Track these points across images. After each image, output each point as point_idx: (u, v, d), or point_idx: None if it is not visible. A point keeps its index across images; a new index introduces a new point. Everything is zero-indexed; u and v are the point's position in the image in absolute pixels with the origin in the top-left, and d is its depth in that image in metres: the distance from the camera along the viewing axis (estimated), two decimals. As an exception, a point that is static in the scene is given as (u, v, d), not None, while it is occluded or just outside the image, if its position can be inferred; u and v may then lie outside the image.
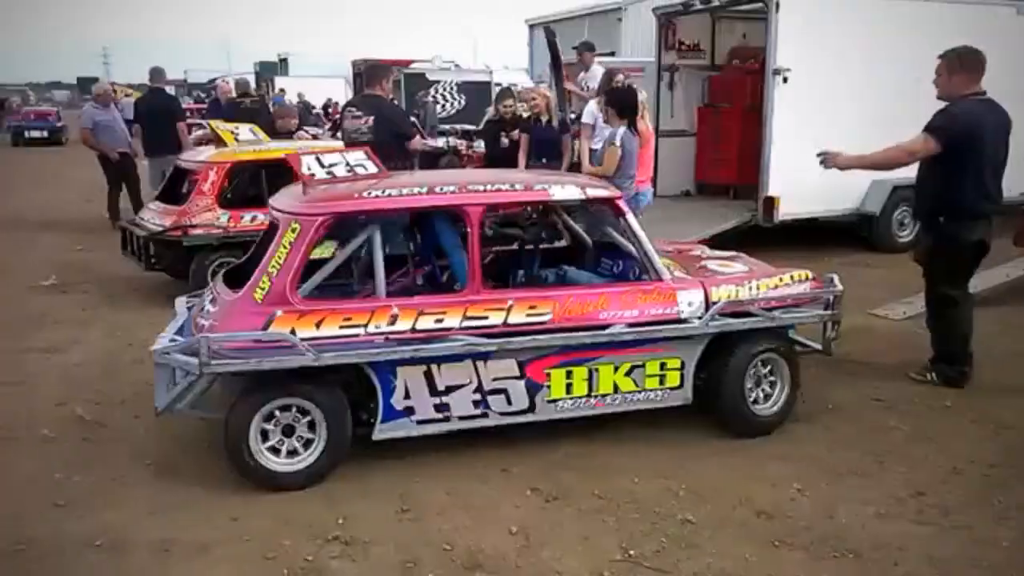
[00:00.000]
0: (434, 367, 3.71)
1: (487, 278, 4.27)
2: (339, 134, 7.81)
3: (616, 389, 3.97)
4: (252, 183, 6.95)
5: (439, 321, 3.68)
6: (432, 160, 14.04)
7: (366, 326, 3.59)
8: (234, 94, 10.79)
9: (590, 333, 3.81)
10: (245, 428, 3.50)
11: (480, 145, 9.79)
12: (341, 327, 3.57)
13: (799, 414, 4.42)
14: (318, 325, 3.55)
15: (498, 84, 16.15)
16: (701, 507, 3.50)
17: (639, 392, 4.02)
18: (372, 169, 4.11)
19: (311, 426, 3.62)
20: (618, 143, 5.85)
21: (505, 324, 3.74)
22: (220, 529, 3.32)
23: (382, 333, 3.60)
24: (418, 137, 6.30)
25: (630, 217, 4.13)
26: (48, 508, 3.50)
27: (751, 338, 4.09)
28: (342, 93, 25.00)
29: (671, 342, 3.96)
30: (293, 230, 3.63)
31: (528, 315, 3.79)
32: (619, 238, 4.42)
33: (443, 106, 18.50)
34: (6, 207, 12.25)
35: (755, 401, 4.17)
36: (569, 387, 3.91)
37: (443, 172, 4.89)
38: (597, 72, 7.93)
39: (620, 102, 5.92)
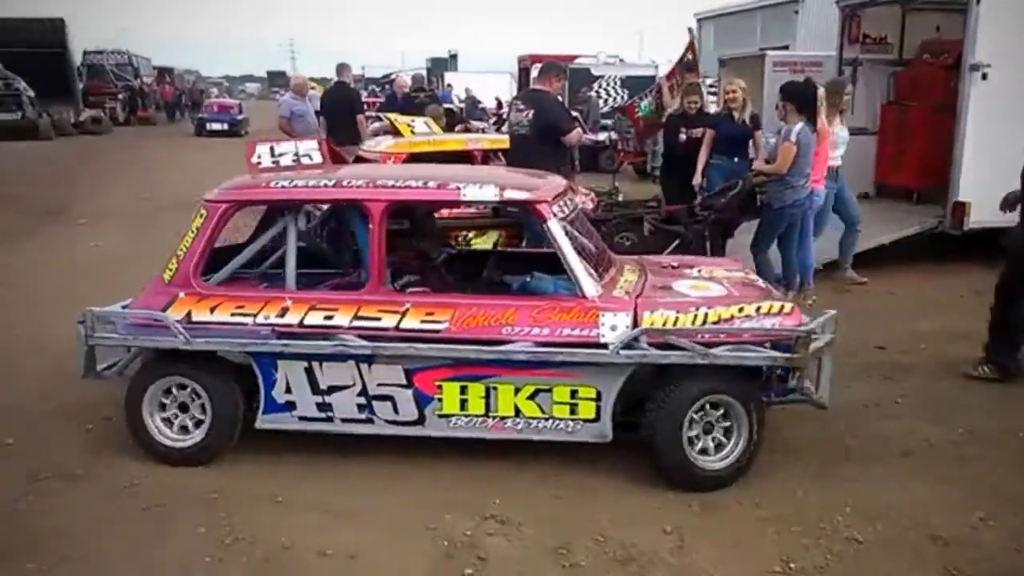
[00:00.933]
0: (316, 365, 3.60)
1: (456, 278, 4.27)
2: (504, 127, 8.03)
3: (518, 413, 3.58)
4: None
5: (328, 318, 3.56)
6: (592, 154, 14.15)
7: (255, 316, 3.58)
8: (409, 89, 11.33)
9: (476, 348, 3.46)
10: (138, 399, 3.68)
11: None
12: (232, 314, 3.60)
13: (977, 438, 4.09)
14: (212, 310, 3.61)
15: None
16: (870, 526, 3.32)
17: (545, 420, 3.59)
18: (316, 160, 4.20)
19: (204, 407, 3.69)
20: (793, 139, 5.63)
21: (397, 328, 3.52)
22: (383, 499, 3.52)
23: (270, 324, 3.56)
24: (576, 132, 6.27)
25: (552, 224, 3.63)
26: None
27: (695, 376, 3.49)
28: (507, 89, 25.47)
29: (585, 368, 3.48)
30: (201, 216, 3.73)
31: (423, 321, 3.52)
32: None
33: (606, 101, 18.44)
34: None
35: (704, 450, 3.58)
36: (464, 403, 3.59)
37: (364, 167, 4.53)
38: None
39: (800, 96, 5.69)
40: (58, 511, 3.41)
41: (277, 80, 56.36)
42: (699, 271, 4.21)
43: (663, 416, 3.49)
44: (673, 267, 4.26)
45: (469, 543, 3.19)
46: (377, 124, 9.77)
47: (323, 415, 3.69)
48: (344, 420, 3.70)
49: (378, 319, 3.55)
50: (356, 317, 3.55)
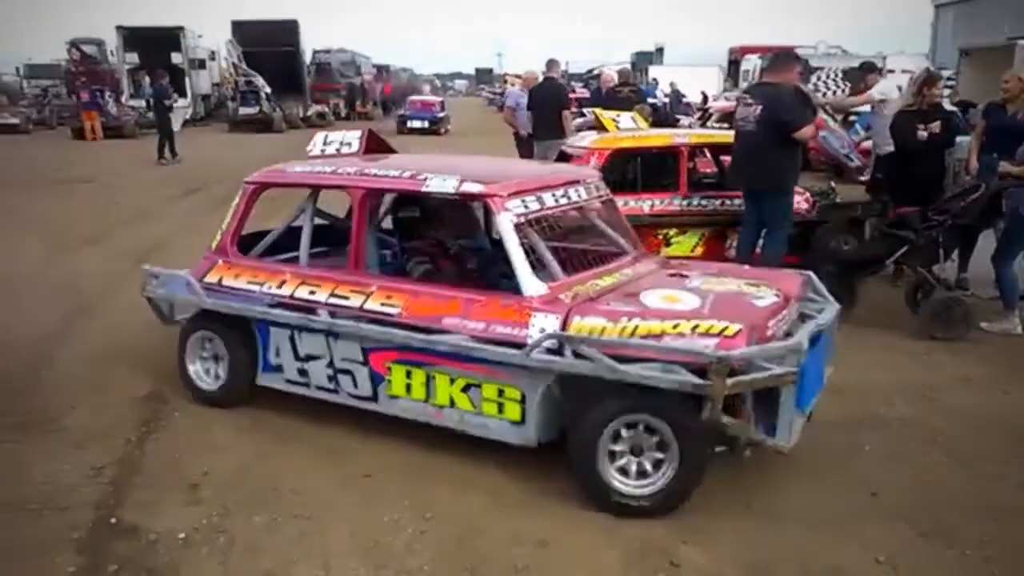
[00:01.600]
0: (296, 334, 4.00)
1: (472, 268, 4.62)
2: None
3: (452, 403, 3.63)
4: (630, 169, 7.16)
5: (312, 293, 3.94)
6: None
7: (262, 285, 4.12)
8: (614, 84, 11.26)
9: (412, 334, 3.58)
10: (183, 347, 4.43)
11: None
12: (248, 282, 4.18)
13: None
14: (236, 277, 4.24)
15: (890, 70, 14.70)
16: None
17: (475, 415, 3.59)
18: (354, 148, 4.66)
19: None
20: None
21: (361, 308, 3.78)
22: (577, 491, 3.50)
23: (270, 294, 4.06)
24: (808, 128, 5.71)
25: (501, 217, 3.60)
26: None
27: (616, 392, 3.22)
28: (715, 82, 24.68)
29: (509, 369, 3.41)
30: (240, 195, 4.43)
31: (382, 304, 3.74)
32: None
33: (824, 94, 17.31)
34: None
35: (624, 471, 3.29)
36: (408, 387, 3.73)
37: (360, 159, 4.53)
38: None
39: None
40: (282, 471, 3.72)
41: (484, 77, 58.35)
42: (706, 281, 3.76)
43: (580, 428, 3.33)
44: (683, 276, 3.90)
45: (662, 547, 3.10)
46: (581, 120, 9.80)
47: (303, 380, 4.11)
48: (318, 387, 4.07)
49: (347, 298, 3.86)
50: (332, 295, 3.90)
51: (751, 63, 23.41)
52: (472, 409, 3.61)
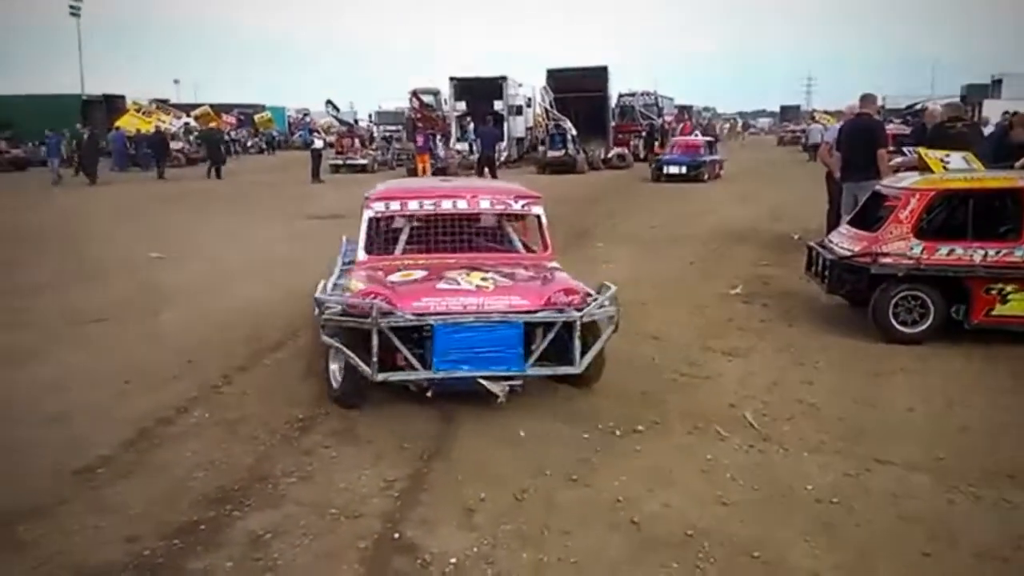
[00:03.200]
0: None
1: None
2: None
3: None
4: (958, 214, 6.32)
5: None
6: None
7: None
8: (942, 119, 10.04)
9: None
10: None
11: None
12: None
13: None
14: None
15: None
16: None
17: None
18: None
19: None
20: None
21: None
22: None
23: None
24: None
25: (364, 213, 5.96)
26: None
27: None
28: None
29: None
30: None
31: None
32: None
33: None
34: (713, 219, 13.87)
35: None
36: None
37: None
38: None
39: None
40: (554, 510, 3.76)
41: (788, 114, 55.63)
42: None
43: None
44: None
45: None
46: (900, 159, 8.87)
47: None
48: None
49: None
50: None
51: None
52: None
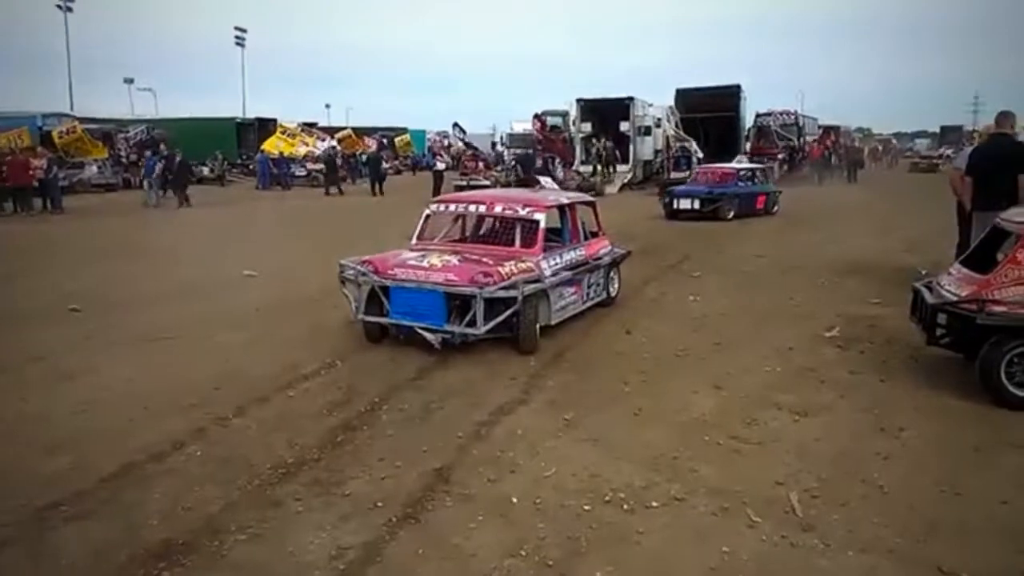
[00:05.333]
0: None
1: None
2: None
3: None
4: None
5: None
6: None
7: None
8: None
9: None
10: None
11: None
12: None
13: None
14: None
15: None
16: None
17: None
18: None
19: None
20: None
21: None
22: None
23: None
24: None
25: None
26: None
27: None
28: None
29: None
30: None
31: None
32: None
33: None
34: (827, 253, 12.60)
35: None
36: None
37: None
38: None
39: None
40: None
41: (949, 135, 50.87)
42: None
43: None
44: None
45: None
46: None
47: None
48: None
49: None
50: None
51: None
52: None
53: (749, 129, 30.97)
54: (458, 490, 4.18)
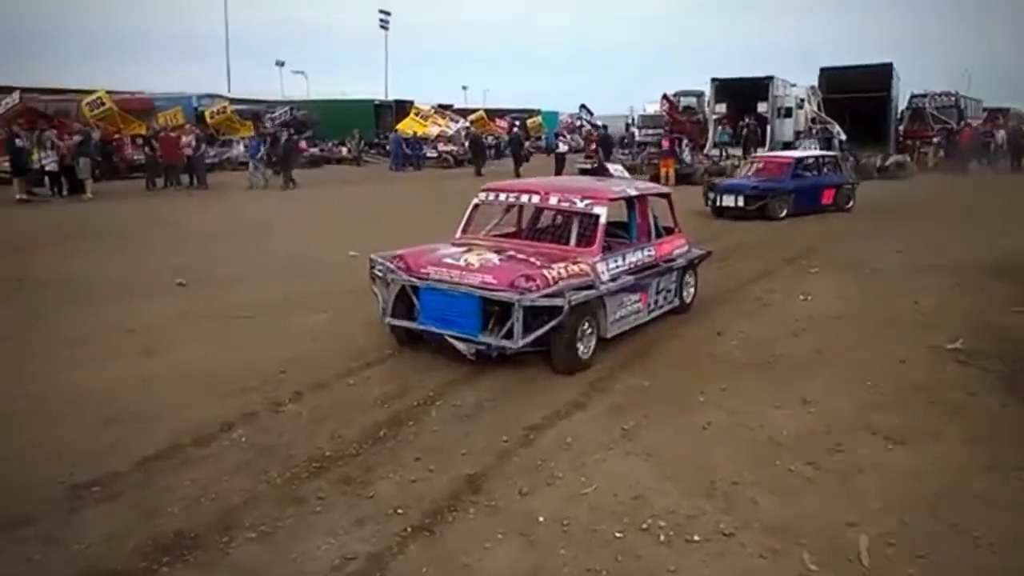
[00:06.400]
0: None
1: None
2: None
3: None
4: None
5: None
6: None
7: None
8: None
9: None
10: None
11: None
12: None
13: None
14: None
15: None
16: None
17: None
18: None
19: None
20: None
21: None
22: None
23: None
24: None
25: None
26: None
27: None
28: None
29: None
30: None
31: None
32: None
33: None
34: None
35: None
36: None
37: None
38: None
39: None
40: None
41: None
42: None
43: None
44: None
45: None
46: None
47: None
48: None
49: None
50: None
51: None
52: None
53: (903, 112, 28.53)
54: (485, 501, 3.90)
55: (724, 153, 25.85)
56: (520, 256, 6.20)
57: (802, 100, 28.14)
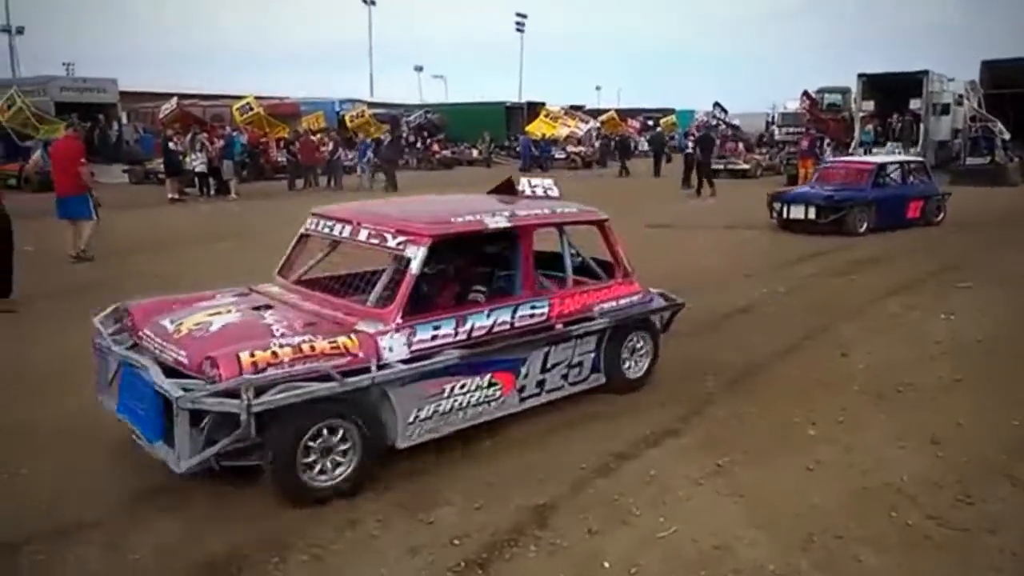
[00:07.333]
0: None
1: None
2: None
3: None
4: None
5: None
6: None
7: None
8: None
9: None
10: None
11: None
12: None
13: None
14: None
15: None
16: None
17: None
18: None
19: None
20: None
21: None
22: None
23: None
24: None
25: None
26: None
27: None
28: None
29: None
30: None
31: None
32: None
33: None
34: None
35: None
36: None
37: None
38: None
39: None
40: None
41: None
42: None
43: None
44: None
45: None
46: None
47: None
48: None
49: None
50: None
51: None
52: None
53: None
54: (549, 538, 3.57)
55: (867, 153, 24.11)
56: (273, 319, 4.30)
57: (960, 96, 25.86)
